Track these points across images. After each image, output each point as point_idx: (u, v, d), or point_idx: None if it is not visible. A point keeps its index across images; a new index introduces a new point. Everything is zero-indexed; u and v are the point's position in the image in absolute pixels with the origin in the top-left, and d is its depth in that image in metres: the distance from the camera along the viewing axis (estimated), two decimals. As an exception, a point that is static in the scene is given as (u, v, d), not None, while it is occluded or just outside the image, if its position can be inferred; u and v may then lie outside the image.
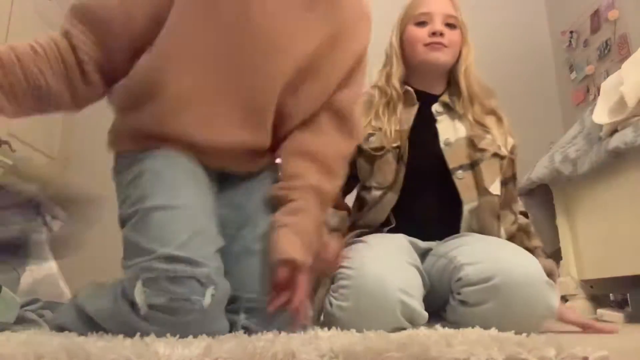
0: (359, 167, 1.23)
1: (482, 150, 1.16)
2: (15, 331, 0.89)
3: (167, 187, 0.84)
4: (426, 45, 1.20)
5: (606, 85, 1.56)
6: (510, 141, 1.22)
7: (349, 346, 0.53)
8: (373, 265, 0.94)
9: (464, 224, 1.13)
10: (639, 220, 1.40)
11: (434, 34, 1.19)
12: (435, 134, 1.19)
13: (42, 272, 1.20)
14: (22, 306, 0.99)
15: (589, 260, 1.67)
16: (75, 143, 3.02)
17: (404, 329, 0.90)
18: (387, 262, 0.96)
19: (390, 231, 1.16)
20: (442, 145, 1.17)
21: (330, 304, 0.94)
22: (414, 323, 0.92)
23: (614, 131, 1.45)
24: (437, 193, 1.16)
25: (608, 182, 1.53)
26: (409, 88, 1.23)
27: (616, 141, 1.40)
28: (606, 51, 2.66)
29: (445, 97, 1.23)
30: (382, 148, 1.17)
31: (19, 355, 0.51)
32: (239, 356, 0.51)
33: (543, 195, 1.82)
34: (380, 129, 1.18)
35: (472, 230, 1.14)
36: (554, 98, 3.20)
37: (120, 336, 0.68)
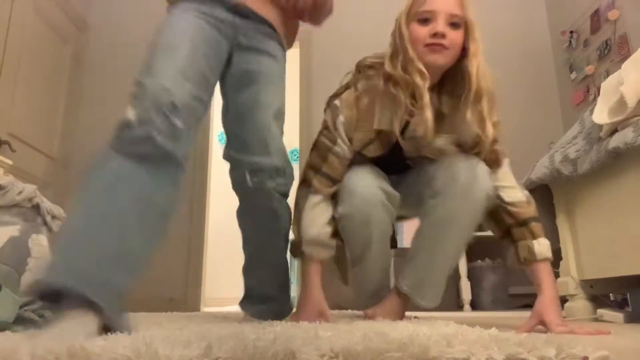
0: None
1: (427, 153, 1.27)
2: (15, 331, 0.89)
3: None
4: (426, 45, 1.17)
5: (606, 85, 1.56)
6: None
7: (349, 346, 0.53)
8: (356, 176, 1.27)
9: None
10: (639, 220, 1.40)
11: (435, 35, 1.16)
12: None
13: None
14: (22, 306, 0.99)
15: (589, 260, 1.67)
16: (75, 143, 3.02)
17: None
18: (367, 172, 1.28)
19: None
20: (404, 138, 1.25)
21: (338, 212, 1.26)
22: (392, 203, 1.26)
23: (614, 131, 1.45)
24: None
25: (608, 182, 1.53)
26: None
27: (616, 141, 1.40)
28: (606, 51, 2.66)
29: (434, 98, 1.23)
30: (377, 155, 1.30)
31: (19, 355, 0.51)
32: (239, 356, 0.51)
33: (543, 195, 1.82)
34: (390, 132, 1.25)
35: None
36: (554, 98, 3.21)
37: (121, 336, 0.68)
